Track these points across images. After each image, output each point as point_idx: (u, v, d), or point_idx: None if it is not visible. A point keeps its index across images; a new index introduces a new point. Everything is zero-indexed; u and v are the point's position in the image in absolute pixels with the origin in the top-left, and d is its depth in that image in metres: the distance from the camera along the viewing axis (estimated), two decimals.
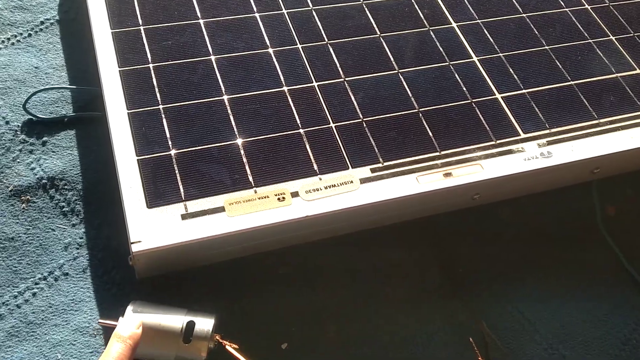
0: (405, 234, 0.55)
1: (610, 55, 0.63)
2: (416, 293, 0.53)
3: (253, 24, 0.59)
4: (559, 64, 0.62)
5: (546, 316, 0.53)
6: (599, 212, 0.59)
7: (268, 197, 0.47)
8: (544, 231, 0.58)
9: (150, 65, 0.54)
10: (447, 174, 0.52)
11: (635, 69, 0.63)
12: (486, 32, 0.63)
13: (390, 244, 0.55)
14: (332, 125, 0.53)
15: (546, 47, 0.63)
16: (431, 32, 0.62)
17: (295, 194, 0.48)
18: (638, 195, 0.62)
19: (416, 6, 0.64)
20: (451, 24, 0.63)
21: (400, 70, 0.58)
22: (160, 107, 0.51)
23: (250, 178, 0.48)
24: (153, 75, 0.53)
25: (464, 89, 0.58)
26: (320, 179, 0.49)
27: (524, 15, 0.65)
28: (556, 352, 0.51)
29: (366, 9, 0.63)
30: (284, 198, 0.47)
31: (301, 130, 0.52)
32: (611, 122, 0.58)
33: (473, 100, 0.57)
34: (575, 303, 0.54)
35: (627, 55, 0.64)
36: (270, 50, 0.58)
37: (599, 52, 0.63)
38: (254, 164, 0.49)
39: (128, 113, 0.51)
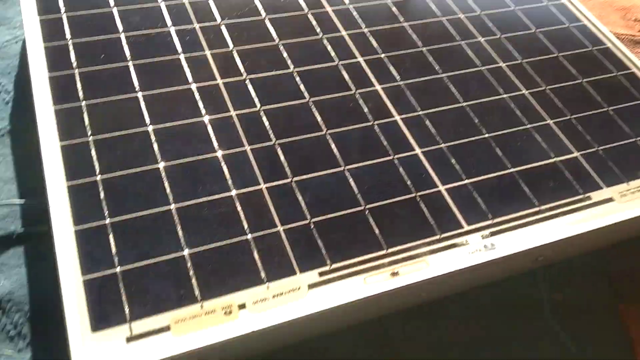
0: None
1: (548, 140, 0.66)
2: None
3: (202, 128, 0.61)
4: (499, 151, 0.64)
5: None
6: (546, 303, 0.61)
7: (215, 311, 0.48)
8: (491, 325, 0.59)
9: (98, 178, 0.55)
10: (394, 273, 0.53)
11: (572, 152, 0.65)
12: (428, 124, 0.65)
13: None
14: (280, 228, 0.54)
15: (486, 135, 0.65)
16: (375, 126, 0.64)
17: (242, 306, 0.48)
18: (584, 280, 0.63)
19: (360, 101, 0.66)
20: (394, 117, 0.66)
21: (346, 167, 0.60)
22: (107, 221, 0.52)
23: (197, 292, 0.49)
24: (101, 189, 0.54)
25: (409, 182, 0.60)
26: (268, 288, 0.50)
27: (464, 104, 0.68)
28: None
29: (312, 106, 0.65)
30: (230, 312, 0.48)
31: (249, 236, 0.53)
32: (551, 209, 0.60)
33: (418, 194, 0.59)
34: None
35: (564, 139, 0.66)
36: (219, 153, 0.59)
37: (538, 137, 0.66)
38: (200, 276, 0.50)
39: (75, 230, 0.51)
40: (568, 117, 0.69)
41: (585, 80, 0.73)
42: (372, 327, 0.56)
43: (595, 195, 0.62)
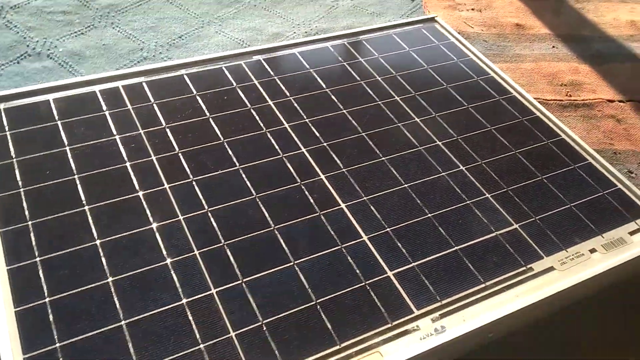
0: None
1: (488, 214, 0.69)
2: None
3: (150, 236, 0.62)
4: (442, 230, 0.67)
5: None
6: None
7: None
8: None
9: (47, 300, 0.55)
10: None
11: (512, 224, 0.68)
12: (373, 209, 0.68)
13: None
14: (232, 334, 0.55)
15: (429, 215, 0.68)
16: (322, 217, 0.66)
17: None
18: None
19: (306, 192, 0.69)
20: (340, 205, 0.68)
21: (295, 262, 0.61)
22: (57, 345, 0.52)
23: None
24: (49, 311, 0.54)
25: (357, 271, 0.62)
26: None
27: (406, 185, 0.71)
28: None
29: (259, 202, 0.67)
30: None
31: (201, 346, 0.53)
32: (496, 284, 0.62)
33: (367, 283, 0.61)
34: None
35: (502, 211, 0.70)
36: (168, 261, 0.60)
37: (478, 212, 0.69)
38: None
39: (24, 358, 0.51)
40: (505, 189, 0.72)
41: (518, 151, 0.77)
42: None
43: (537, 266, 0.64)
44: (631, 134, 0.89)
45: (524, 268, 0.64)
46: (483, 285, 0.62)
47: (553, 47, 1.04)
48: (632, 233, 0.69)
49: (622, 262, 0.65)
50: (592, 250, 0.67)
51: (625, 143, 0.88)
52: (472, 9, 1.12)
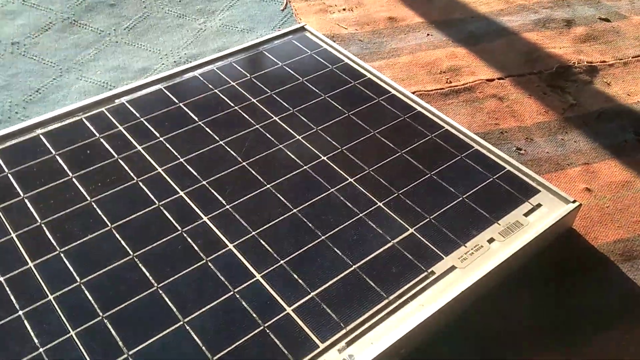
0: None
1: (382, 223, 0.67)
2: None
3: (19, 324, 0.55)
4: (337, 251, 0.64)
5: None
6: None
7: None
8: None
9: None
10: None
11: (408, 229, 0.66)
12: (263, 243, 0.64)
13: None
14: None
15: (322, 238, 0.65)
16: (209, 263, 0.62)
17: None
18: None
19: (189, 239, 0.64)
20: (228, 246, 0.64)
21: (185, 320, 0.57)
22: None
23: None
24: None
25: (254, 315, 0.57)
26: None
27: (295, 210, 0.67)
28: None
29: (138, 262, 0.61)
30: None
31: None
32: (400, 296, 0.60)
33: (265, 325, 0.57)
34: None
35: (397, 218, 0.67)
36: (41, 350, 0.53)
37: (371, 223, 0.67)
38: None
39: None
40: (396, 194, 0.70)
41: (404, 151, 0.75)
42: None
43: (438, 268, 0.62)
44: (514, 110, 0.90)
45: (426, 273, 0.62)
46: (386, 301, 0.59)
47: (428, 35, 1.04)
48: (527, 214, 0.69)
49: (522, 246, 0.65)
50: (491, 240, 0.66)
51: (510, 121, 0.88)
52: (344, 9, 1.10)
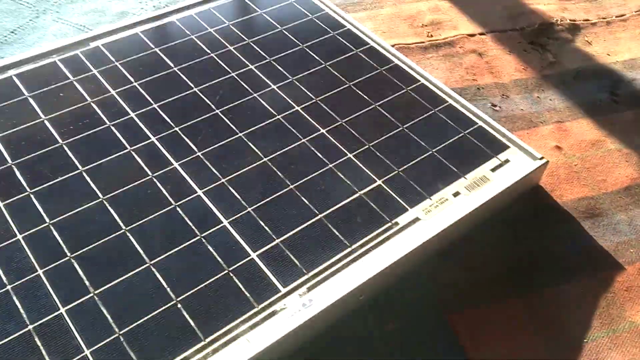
0: None
1: (351, 174, 0.68)
2: None
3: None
4: (305, 200, 0.65)
5: None
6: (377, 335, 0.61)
7: None
8: None
9: None
10: None
11: (375, 181, 0.67)
12: (232, 191, 0.65)
13: None
14: (87, 352, 0.51)
15: (291, 187, 0.66)
16: (177, 208, 0.63)
17: None
18: (413, 304, 0.65)
19: (159, 184, 0.65)
20: (197, 192, 0.64)
21: (151, 262, 0.58)
22: None
23: None
24: None
25: (219, 259, 0.59)
26: None
27: (266, 159, 0.68)
28: None
29: (107, 204, 0.62)
30: None
31: None
32: (363, 245, 0.61)
33: (230, 270, 0.58)
34: None
35: (365, 169, 0.68)
36: (9, 287, 0.55)
37: (340, 174, 0.68)
38: None
39: None
40: (366, 146, 0.71)
41: (378, 104, 0.75)
42: None
43: (402, 219, 0.64)
44: (493, 66, 0.90)
45: (390, 224, 0.63)
46: (349, 249, 0.61)
47: None
48: (494, 169, 0.70)
49: (485, 200, 0.66)
50: (456, 194, 0.67)
51: (488, 76, 0.88)
52: None
